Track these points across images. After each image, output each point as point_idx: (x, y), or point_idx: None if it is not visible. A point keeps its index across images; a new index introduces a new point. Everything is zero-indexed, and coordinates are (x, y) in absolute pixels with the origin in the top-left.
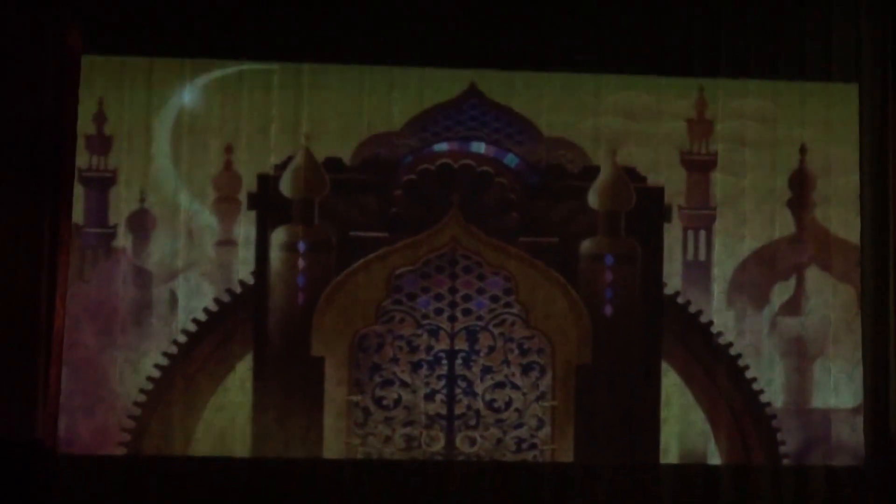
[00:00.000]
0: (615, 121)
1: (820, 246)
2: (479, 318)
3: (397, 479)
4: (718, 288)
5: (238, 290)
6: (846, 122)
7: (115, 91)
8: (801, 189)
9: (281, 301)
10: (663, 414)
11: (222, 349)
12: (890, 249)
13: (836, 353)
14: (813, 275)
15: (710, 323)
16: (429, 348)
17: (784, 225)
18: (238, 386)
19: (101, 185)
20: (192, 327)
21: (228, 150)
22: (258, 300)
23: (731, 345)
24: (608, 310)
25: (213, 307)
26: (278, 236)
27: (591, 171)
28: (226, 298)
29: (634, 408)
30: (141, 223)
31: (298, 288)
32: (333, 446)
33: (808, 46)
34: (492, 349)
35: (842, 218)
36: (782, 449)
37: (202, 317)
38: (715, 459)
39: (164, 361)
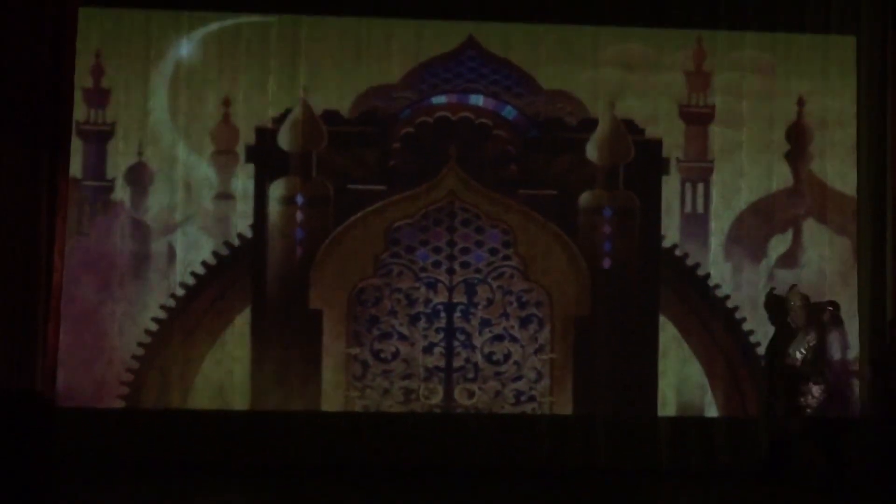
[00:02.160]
0: (613, 73)
1: (817, 198)
2: (478, 270)
3: (396, 432)
4: (716, 241)
5: (236, 243)
6: (844, 74)
7: (112, 44)
8: (798, 141)
9: (279, 254)
10: (661, 367)
11: (220, 303)
12: (887, 201)
13: None
14: (810, 227)
15: (708, 276)
16: (427, 301)
17: (781, 177)
18: (236, 339)
19: (99, 138)
20: (191, 281)
21: (226, 102)
22: (256, 254)
23: (728, 297)
24: (606, 263)
25: (212, 260)
26: (276, 189)
27: (590, 124)
28: (224, 252)
29: (632, 360)
30: (139, 176)
31: (296, 241)
32: (332, 399)
33: None
34: (490, 302)
35: (839, 170)
36: None
37: (200, 270)
38: (712, 411)
39: (162, 315)
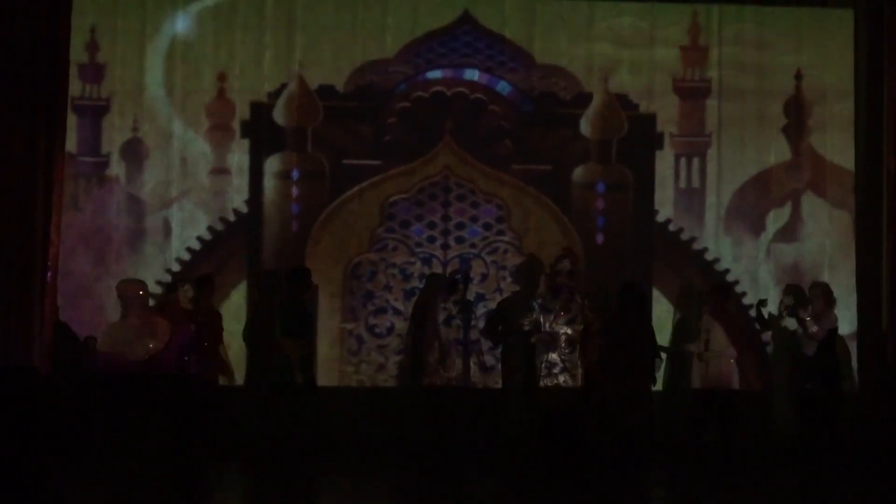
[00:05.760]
0: (608, 47)
1: (816, 172)
2: (473, 245)
3: (391, 407)
4: (712, 215)
5: (232, 218)
6: (842, 47)
7: (107, 19)
8: (796, 115)
9: (274, 229)
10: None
11: (216, 278)
12: (884, 175)
13: (832, 280)
14: (809, 201)
15: (704, 250)
16: (422, 276)
17: (779, 151)
18: (232, 314)
19: (95, 113)
20: (187, 256)
21: (222, 77)
22: (252, 228)
23: (727, 271)
24: (600, 238)
25: (207, 236)
26: (272, 164)
27: (584, 99)
28: (220, 227)
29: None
30: (134, 152)
31: (292, 216)
32: (327, 374)
33: None
34: (485, 277)
35: (837, 144)
36: None
37: (196, 245)
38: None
39: (158, 290)
